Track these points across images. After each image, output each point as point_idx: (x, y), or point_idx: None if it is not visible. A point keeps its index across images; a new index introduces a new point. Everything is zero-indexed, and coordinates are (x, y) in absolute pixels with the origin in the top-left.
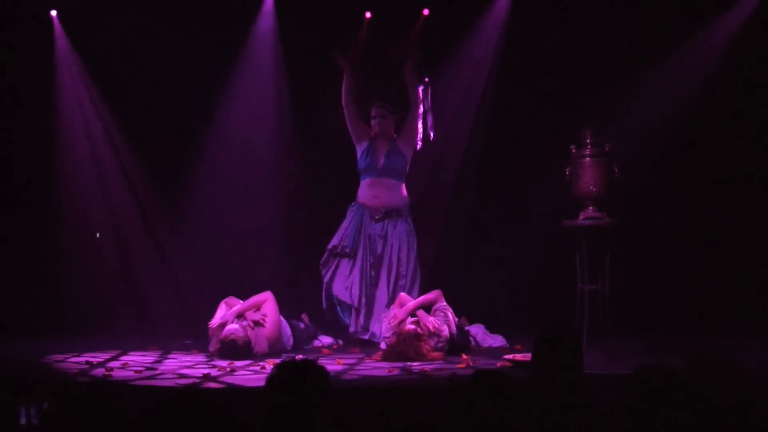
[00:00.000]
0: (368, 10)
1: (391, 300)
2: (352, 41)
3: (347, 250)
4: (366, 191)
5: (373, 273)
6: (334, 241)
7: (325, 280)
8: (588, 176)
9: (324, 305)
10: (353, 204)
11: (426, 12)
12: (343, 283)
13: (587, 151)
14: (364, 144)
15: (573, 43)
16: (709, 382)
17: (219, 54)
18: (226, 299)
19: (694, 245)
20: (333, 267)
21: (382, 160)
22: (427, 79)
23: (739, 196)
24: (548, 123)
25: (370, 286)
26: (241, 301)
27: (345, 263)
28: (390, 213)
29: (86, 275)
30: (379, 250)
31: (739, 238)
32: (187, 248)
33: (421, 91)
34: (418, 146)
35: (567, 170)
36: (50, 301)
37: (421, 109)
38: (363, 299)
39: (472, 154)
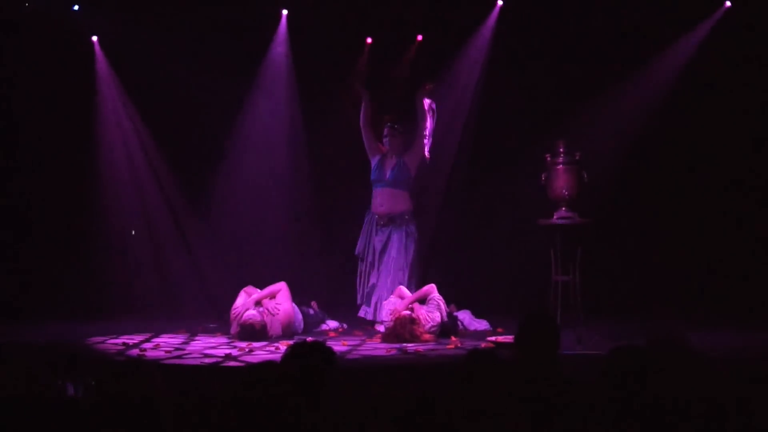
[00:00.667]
0: (369, 37)
1: (389, 291)
2: (360, 67)
3: (361, 256)
4: (375, 199)
5: (376, 269)
6: (359, 248)
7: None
8: (561, 181)
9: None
10: (368, 212)
11: (420, 38)
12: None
13: (560, 160)
14: (377, 158)
15: (547, 65)
16: (666, 361)
17: (239, 75)
18: (245, 288)
19: (656, 241)
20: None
21: (389, 173)
22: (433, 106)
23: (693, 198)
24: (527, 135)
25: (372, 279)
26: (259, 290)
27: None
28: (393, 218)
29: (123, 268)
30: (379, 250)
31: (695, 234)
32: (211, 244)
33: (428, 115)
34: (427, 156)
35: (543, 176)
36: (92, 290)
37: (427, 130)
38: (364, 292)
39: (461, 162)
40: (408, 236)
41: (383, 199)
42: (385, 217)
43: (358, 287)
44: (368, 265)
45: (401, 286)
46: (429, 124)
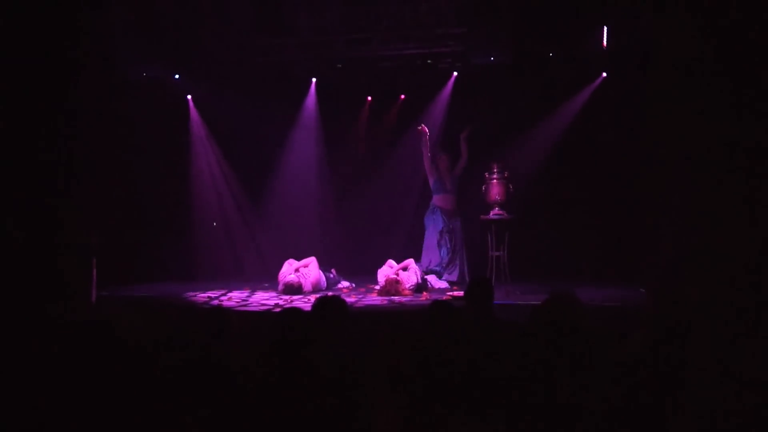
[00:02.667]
0: (369, 96)
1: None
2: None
3: (449, 227)
4: (442, 201)
5: (450, 244)
6: (441, 227)
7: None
8: (495, 190)
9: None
10: (434, 208)
11: (402, 97)
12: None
13: (494, 176)
14: (435, 176)
15: (485, 114)
16: (560, 311)
17: (283, 118)
18: (288, 260)
19: (559, 229)
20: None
21: (448, 185)
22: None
23: (583, 201)
24: (472, 159)
25: (450, 251)
26: (297, 261)
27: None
28: (455, 212)
29: (207, 246)
30: (453, 232)
31: (585, 225)
32: (265, 230)
33: (465, 147)
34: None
35: (483, 187)
36: (187, 262)
37: (464, 157)
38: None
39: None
40: (462, 226)
41: (448, 201)
42: (451, 211)
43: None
44: (450, 233)
45: (390, 260)
46: (465, 154)
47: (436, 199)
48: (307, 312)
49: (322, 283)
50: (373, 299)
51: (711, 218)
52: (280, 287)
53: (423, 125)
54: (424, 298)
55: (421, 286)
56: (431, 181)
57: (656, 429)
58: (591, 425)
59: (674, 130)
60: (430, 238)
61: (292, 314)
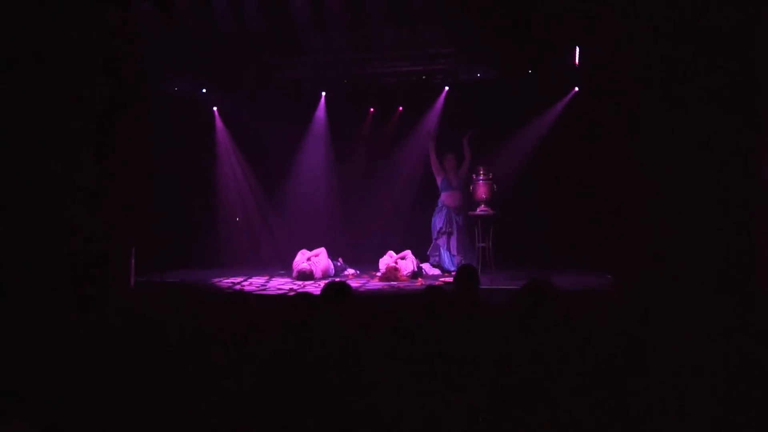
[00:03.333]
0: (372, 107)
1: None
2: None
3: (448, 230)
4: (449, 199)
5: (456, 234)
6: (440, 227)
7: (440, 244)
8: (481, 190)
9: (430, 251)
10: (442, 207)
11: (400, 108)
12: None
13: (481, 177)
14: (442, 175)
15: (471, 125)
16: (537, 294)
17: (297, 127)
18: (301, 250)
19: (536, 224)
20: (443, 238)
21: (455, 183)
22: (468, 144)
23: (558, 199)
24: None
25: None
26: (309, 251)
27: (443, 237)
28: (461, 207)
29: (230, 238)
30: (458, 228)
31: (561, 219)
32: (281, 224)
33: (467, 148)
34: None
35: (471, 187)
36: (212, 252)
37: (467, 157)
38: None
39: (426, 179)
40: (466, 219)
41: (455, 198)
42: (458, 207)
43: (441, 249)
44: (449, 234)
45: (390, 250)
46: (468, 154)
47: (444, 197)
48: (317, 296)
49: (330, 271)
50: (375, 284)
51: (674, 214)
52: (294, 274)
53: (429, 129)
54: (419, 284)
55: (417, 273)
56: (438, 180)
57: (619, 405)
58: (564, 397)
59: (642, 135)
60: (441, 238)
61: (305, 298)
